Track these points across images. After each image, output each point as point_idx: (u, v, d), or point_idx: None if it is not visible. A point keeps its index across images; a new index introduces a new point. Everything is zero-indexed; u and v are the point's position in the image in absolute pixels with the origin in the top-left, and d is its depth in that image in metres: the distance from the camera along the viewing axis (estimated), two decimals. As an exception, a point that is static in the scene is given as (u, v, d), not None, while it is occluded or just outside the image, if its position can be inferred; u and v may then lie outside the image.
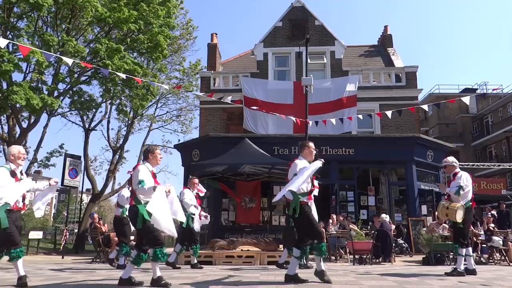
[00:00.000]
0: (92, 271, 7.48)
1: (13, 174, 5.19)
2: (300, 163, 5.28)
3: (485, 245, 10.92)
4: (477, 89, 37.58)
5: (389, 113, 12.22)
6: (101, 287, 4.95)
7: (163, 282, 4.93)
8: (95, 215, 12.23)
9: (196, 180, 8.69)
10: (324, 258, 5.15)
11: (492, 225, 11.58)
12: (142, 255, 4.99)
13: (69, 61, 9.51)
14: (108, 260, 8.34)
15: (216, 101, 14.13)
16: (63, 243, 15.11)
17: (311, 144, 5.54)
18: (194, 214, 8.17)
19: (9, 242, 5.01)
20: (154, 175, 5.25)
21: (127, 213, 8.17)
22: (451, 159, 6.88)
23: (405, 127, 16.70)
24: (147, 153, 5.38)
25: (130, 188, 5.30)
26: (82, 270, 7.92)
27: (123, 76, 11.00)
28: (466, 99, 11.36)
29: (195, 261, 8.34)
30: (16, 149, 5.45)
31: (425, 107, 13.16)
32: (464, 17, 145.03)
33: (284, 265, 7.97)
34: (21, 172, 5.37)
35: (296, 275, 5.20)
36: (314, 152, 5.48)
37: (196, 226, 8.22)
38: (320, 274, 5.14)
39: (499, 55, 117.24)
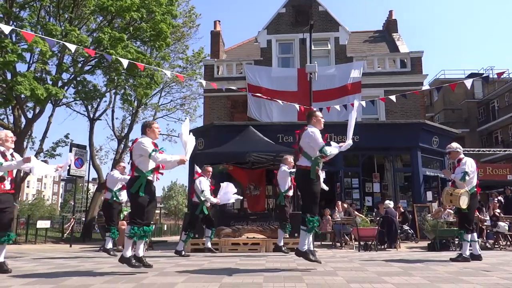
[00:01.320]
0: (100, 260, 7.58)
1: (3, 155, 5.31)
2: (315, 130, 5.23)
3: (490, 231, 10.93)
4: (483, 74, 37.19)
5: (393, 97, 12.18)
6: (109, 274, 5.01)
7: (133, 262, 5.05)
8: None
9: (210, 168, 8.75)
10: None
11: (498, 210, 11.56)
12: (135, 228, 5.02)
13: (72, 47, 9.45)
14: (105, 250, 8.38)
15: (220, 89, 14.11)
16: (68, 230, 15.27)
17: (319, 113, 5.53)
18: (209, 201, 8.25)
19: None
20: (156, 146, 5.28)
21: (117, 197, 8.33)
22: (455, 145, 6.85)
23: (410, 113, 16.61)
24: (144, 128, 5.38)
25: (130, 162, 5.29)
26: (91, 258, 8.03)
27: (126, 62, 10.87)
28: (468, 83, 11.31)
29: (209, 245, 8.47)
30: (3, 133, 5.56)
31: (426, 88, 13.03)
32: (471, 1, 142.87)
33: (284, 248, 7.97)
34: (11, 154, 5.48)
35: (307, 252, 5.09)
36: (322, 120, 5.47)
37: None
38: (304, 254, 5.05)
39: (507, 40, 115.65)
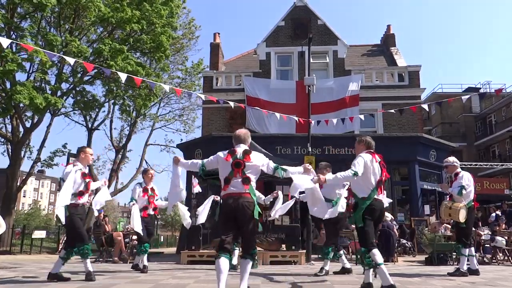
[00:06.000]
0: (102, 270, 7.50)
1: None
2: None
3: (488, 245, 10.90)
4: (480, 88, 37.43)
5: (391, 111, 12.26)
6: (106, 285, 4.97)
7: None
8: (102, 213, 12.15)
9: (152, 172, 7.63)
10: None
11: (504, 226, 11.60)
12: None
13: (71, 60, 9.46)
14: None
15: (218, 100, 14.15)
16: (62, 240, 15.14)
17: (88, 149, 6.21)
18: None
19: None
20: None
21: None
22: (452, 159, 6.87)
23: (408, 127, 16.67)
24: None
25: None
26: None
27: (124, 76, 10.75)
28: (465, 98, 11.43)
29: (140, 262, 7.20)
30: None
31: (425, 106, 13.12)
32: (469, 16, 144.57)
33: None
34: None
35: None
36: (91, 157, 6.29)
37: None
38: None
39: (505, 54, 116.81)
